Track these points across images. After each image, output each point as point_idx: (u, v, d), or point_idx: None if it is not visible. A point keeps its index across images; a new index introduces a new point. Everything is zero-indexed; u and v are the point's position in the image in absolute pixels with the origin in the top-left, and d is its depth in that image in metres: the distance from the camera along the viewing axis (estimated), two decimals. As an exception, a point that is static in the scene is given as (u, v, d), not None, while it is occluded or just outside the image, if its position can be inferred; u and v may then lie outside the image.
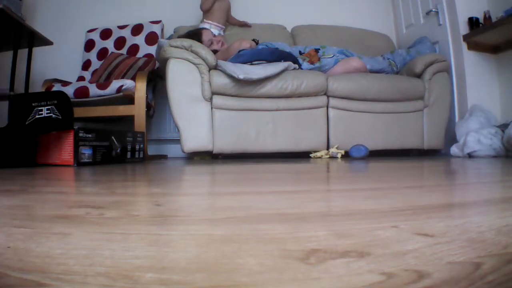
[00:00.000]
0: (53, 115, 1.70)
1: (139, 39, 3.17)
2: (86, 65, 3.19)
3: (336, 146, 2.47)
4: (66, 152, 1.74)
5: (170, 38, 3.24)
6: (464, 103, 2.84)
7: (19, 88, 3.04)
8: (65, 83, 2.71)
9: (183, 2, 3.48)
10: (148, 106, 2.82)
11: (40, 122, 1.67)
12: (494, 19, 2.71)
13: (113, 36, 3.24)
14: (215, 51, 2.75)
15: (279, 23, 3.45)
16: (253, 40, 2.88)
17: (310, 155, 2.48)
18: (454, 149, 2.53)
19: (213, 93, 2.41)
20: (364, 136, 2.57)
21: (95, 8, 3.47)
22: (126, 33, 3.23)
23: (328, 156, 2.42)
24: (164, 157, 2.94)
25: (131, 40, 3.19)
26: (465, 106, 2.82)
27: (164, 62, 2.46)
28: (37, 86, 3.11)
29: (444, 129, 2.72)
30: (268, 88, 2.41)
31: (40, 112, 1.68)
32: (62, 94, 1.72)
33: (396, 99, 2.61)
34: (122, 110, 2.59)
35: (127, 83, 2.51)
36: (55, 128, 1.71)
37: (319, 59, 2.72)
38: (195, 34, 2.73)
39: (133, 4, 3.48)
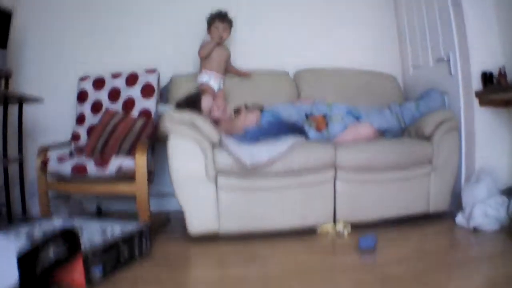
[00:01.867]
0: (61, 255, 1.65)
1: (135, 91, 3.03)
2: (80, 119, 3.07)
3: (342, 222, 2.45)
4: (76, 272, 1.70)
5: (167, 87, 3.14)
6: (472, 162, 2.76)
7: (13, 150, 2.95)
8: (63, 158, 2.61)
9: (180, 48, 3.31)
10: (149, 172, 2.75)
11: (48, 267, 1.61)
12: (509, 75, 2.59)
13: (107, 86, 3.10)
14: (217, 119, 2.65)
15: (281, 67, 3.33)
16: (258, 107, 2.79)
17: (318, 230, 2.46)
18: (459, 218, 2.52)
19: (218, 172, 2.35)
20: (370, 207, 2.54)
21: (87, 54, 3.30)
22: (120, 83, 3.09)
23: (335, 233, 2.41)
24: (167, 221, 2.89)
25: (126, 91, 3.05)
26: (473, 165, 2.74)
27: (164, 134, 2.39)
28: (30, 149, 3.01)
29: (450, 191, 2.68)
30: (275, 167, 2.35)
31: (46, 255, 1.62)
32: (69, 233, 1.66)
33: (405, 166, 2.55)
34: (122, 188, 2.53)
35: (126, 162, 2.44)
36: (64, 263, 1.66)
37: (326, 125, 2.64)
38: (193, 102, 2.64)
39: (127, 49, 3.32)
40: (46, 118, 3.25)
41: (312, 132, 2.60)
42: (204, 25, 3.05)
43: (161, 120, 2.38)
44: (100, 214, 3.10)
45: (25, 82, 3.24)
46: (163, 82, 3.17)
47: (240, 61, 3.26)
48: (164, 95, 3.11)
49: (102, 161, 2.45)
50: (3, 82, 2.92)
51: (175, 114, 2.38)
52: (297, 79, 3.30)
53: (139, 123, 2.80)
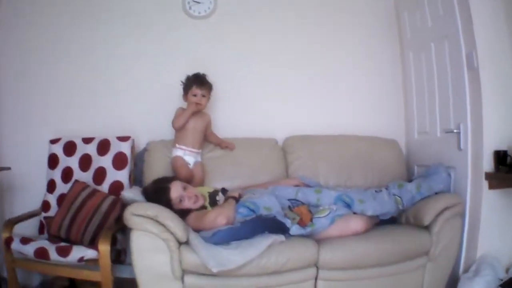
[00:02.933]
0: None
1: (106, 161, 2.92)
2: (51, 186, 2.97)
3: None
4: None
5: (141, 154, 3.01)
6: (474, 250, 2.52)
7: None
8: (26, 239, 2.50)
9: (156, 111, 3.15)
10: (119, 252, 2.65)
11: None
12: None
13: (78, 152, 2.99)
14: (187, 210, 2.45)
15: (270, 133, 3.17)
16: (233, 196, 2.50)
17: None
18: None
19: (185, 271, 2.22)
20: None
21: (59, 113, 3.18)
22: (91, 149, 2.98)
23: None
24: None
25: (97, 160, 2.95)
26: (474, 253, 2.51)
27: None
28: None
29: (445, 282, 2.53)
30: (248, 268, 2.15)
31: None
32: None
33: (398, 261, 2.37)
34: (86, 275, 2.43)
35: (88, 253, 2.34)
36: None
37: (311, 220, 2.39)
38: (162, 190, 2.43)
39: (101, 110, 3.19)
40: (16, 181, 3.12)
41: (294, 229, 2.30)
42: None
43: (125, 211, 2.23)
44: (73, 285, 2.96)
45: None
46: (138, 147, 3.07)
47: (221, 127, 3.13)
48: (138, 164, 2.99)
49: (64, 251, 2.34)
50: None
51: (139, 207, 2.19)
52: (286, 148, 3.12)
53: (107, 201, 2.67)
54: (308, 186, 2.80)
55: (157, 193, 2.41)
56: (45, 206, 2.93)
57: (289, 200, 2.60)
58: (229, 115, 3.21)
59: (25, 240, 2.50)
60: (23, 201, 3.07)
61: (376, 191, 2.63)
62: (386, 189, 2.65)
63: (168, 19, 3.21)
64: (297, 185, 2.75)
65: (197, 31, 3.22)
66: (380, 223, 2.59)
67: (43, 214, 2.91)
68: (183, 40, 3.22)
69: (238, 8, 3.26)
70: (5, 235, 2.54)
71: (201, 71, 2.83)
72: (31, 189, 3.08)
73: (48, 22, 3.14)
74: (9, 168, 2.85)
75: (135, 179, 2.97)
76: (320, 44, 3.35)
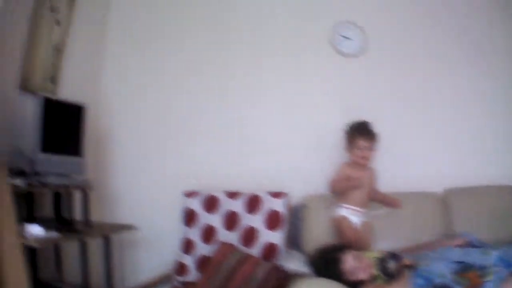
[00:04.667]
0: None
1: (257, 220, 2.51)
2: (187, 246, 2.57)
3: None
4: None
5: (296, 210, 2.57)
6: None
7: None
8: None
9: (307, 164, 2.72)
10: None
11: None
12: None
13: (221, 209, 2.59)
14: (359, 281, 2.07)
15: (428, 185, 2.65)
16: (407, 265, 2.13)
17: None
18: None
19: None
20: None
21: (193, 163, 2.82)
22: (237, 206, 2.57)
23: None
24: None
25: (245, 219, 2.53)
26: None
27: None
28: None
29: None
30: None
31: None
32: None
33: None
34: None
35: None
36: None
37: (480, 285, 2.00)
38: (333, 261, 2.08)
39: (244, 161, 2.79)
40: (140, 239, 2.74)
41: None
42: (338, 133, 2.50)
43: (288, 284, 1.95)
44: None
45: (109, 198, 2.79)
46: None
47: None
48: (292, 222, 2.57)
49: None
50: (78, 200, 2.41)
51: (311, 284, 1.94)
52: (447, 201, 2.62)
53: (262, 268, 2.23)
54: (472, 244, 2.40)
55: (328, 265, 2.11)
56: (181, 269, 2.52)
57: (455, 262, 2.21)
58: (387, 167, 2.66)
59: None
60: (148, 262, 2.74)
61: None
62: None
63: (316, 58, 2.81)
64: (459, 245, 2.38)
65: (348, 70, 2.79)
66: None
67: (178, 278, 2.51)
68: (333, 79, 2.80)
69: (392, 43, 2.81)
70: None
71: (356, 115, 2.49)
72: (156, 248, 2.75)
73: (201, 66, 2.89)
74: (135, 228, 2.48)
75: (289, 238, 2.55)
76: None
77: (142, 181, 2.82)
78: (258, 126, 2.80)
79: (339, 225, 2.40)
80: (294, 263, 2.20)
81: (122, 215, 2.72)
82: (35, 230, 1.77)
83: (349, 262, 2.11)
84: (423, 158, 2.74)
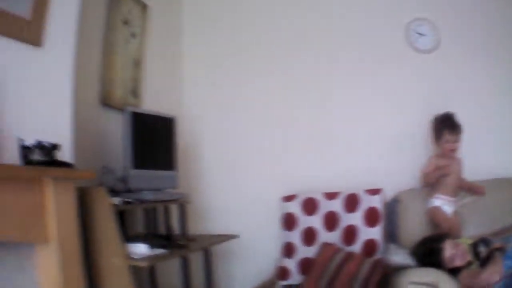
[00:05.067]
0: None
1: (355, 218, 2.46)
2: (288, 250, 2.54)
3: None
4: None
5: (391, 206, 2.53)
6: None
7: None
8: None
9: (395, 160, 2.66)
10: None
11: None
12: None
13: (320, 210, 2.55)
14: (457, 268, 2.11)
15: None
16: (498, 248, 2.15)
17: None
18: None
19: None
20: None
21: (287, 168, 2.78)
22: (336, 206, 2.53)
23: None
24: None
25: (344, 218, 2.49)
26: None
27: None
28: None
29: None
30: None
31: None
32: None
33: None
34: None
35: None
36: None
37: None
38: (435, 251, 2.16)
39: (335, 160, 2.74)
40: (238, 246, 2.70)
41: None
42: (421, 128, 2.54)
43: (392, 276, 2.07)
44: None
45: (202, 210, 2.80)
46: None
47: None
48: (388, 217, 2.51)
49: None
50: (176, 215, 2.36)
51: (416, 274, 2.04)
52: None
53: (366, 265, 2.21)
54: None
55: (430, 255, 2.21)
56: (283, 273, 2.50)
57: None
58: (470, 155, 2.56)
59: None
60: (244, 270, 2.74)
61: None
62: None
63: (391, 55, 2.76)
64: None
65: (425, 65, 2.73)
66: None
67: (281, 283, 2.50)
68: (411, 75, 2.75)
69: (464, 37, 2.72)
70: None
71: (437, 108, 2.49)
72: (252, 256, 2.73)
73: (282, 71, 2.87)
74: (237, 237, 2.44)
75: (385, 232, 2.50)
76: None
77: (234, 191, 2.83)
78: (346, 127, 2.77)
79: (434, 215, 2.44)
80: (396, 256, 2.25)
81: (216, 226, 2.73)
82: (140, 249, 1.72)
83: (449, 250, 2.19)
84: (505, 145, 2.65)
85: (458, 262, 2.17)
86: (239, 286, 2.71)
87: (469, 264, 2.21)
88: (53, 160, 1.42)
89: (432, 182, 2.45)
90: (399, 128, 2.68)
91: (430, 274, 2.01)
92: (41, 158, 1.38)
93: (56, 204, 1.41)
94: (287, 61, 2.83)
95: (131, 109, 2.02)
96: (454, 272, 2.13)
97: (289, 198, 2.63)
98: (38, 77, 1.55)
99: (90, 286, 1.60)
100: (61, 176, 1.43)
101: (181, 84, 2.92)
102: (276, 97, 2.84)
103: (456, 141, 2.42)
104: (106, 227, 1.67)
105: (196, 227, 2.61)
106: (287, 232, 2.57)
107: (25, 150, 1.37)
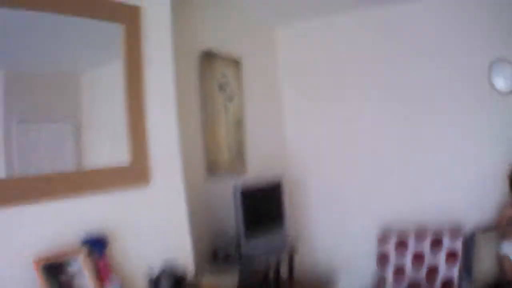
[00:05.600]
0: None
1: (439, 258, 2.69)
2: (380, 285, 2.82)
3: None
4: None
5: (468, 241, 2.63)
6: None
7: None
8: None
9: (477, 195, 2.79)
10: None
11: None
12: None
13: (410, 249, 2.80)
14: None
15: None
16: None
17: None
18: None
19: None
20: None
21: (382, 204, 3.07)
22: (424, 246, 2.76)
23: None
24: None
25: (430, 258, 2.72)
26: None
27: None
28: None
29: None
30: None
31: None
32: None
33: None
34: None
35: None
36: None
37: None
38: None
39: (418, 196, 2.97)
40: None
41: None
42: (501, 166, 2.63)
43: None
44: None
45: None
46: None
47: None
48: (467, 251, 2.65)
49: None
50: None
51: None
52: None
53: None
54: None
55: None
56: None
57: None
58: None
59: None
60: None
61: None
62: None
63: (474, 95, 2.85)
64: None
65: (505, 107, 2.79)
66: None
67: None
68: (493, 116, 2.81)
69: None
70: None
71: None
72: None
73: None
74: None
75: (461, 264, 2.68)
76: None
77: (332, 229, 3.20)
78: (431, 164, 2.95)
79: (501, 263, 2.47)
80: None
81: (317, 266, 3.14)
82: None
83: None
84: None
85: None
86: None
87: None
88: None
89: (503, 231, 2.50)
90: (479, 165, 2.79)
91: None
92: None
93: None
94: (388, 106, 3.07)
95: (239, 186, 2.22)
96: None
97: (383, 239, 2.87)
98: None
99: None
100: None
101: (284, 137, 3.29)
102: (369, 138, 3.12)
103: None
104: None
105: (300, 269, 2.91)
106: (380, 269, 2.82)
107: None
